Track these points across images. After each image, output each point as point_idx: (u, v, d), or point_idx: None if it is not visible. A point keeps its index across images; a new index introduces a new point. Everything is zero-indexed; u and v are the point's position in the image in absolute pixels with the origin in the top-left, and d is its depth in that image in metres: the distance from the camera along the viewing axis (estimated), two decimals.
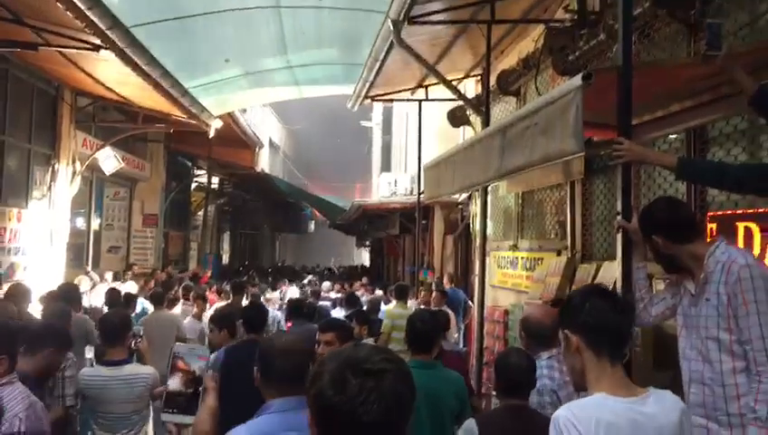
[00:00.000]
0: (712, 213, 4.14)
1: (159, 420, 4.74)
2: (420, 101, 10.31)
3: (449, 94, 8.43)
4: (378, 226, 20.63)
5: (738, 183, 2.92)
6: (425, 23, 6.56)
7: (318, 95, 15.95)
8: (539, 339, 3.81)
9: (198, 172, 20.51)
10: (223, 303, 9.50)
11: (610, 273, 4.97)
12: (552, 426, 2.01)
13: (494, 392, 4.14)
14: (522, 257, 7.55)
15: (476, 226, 8.68)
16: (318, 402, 1.40)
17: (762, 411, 2.49)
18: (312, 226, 46.20)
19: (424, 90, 9.86)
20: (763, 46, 3.58)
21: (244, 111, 17.86)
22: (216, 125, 11.95)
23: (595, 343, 2.10)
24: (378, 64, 7.82)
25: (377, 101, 11.01)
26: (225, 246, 29.27)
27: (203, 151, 16.85)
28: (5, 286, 7.40)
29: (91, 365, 4.61)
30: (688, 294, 2.84)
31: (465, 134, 10.57)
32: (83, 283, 9.44)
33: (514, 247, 7.89)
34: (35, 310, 6.55)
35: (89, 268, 12.04)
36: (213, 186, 21.24)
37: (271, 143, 31.05)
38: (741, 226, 3.76)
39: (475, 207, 9.11)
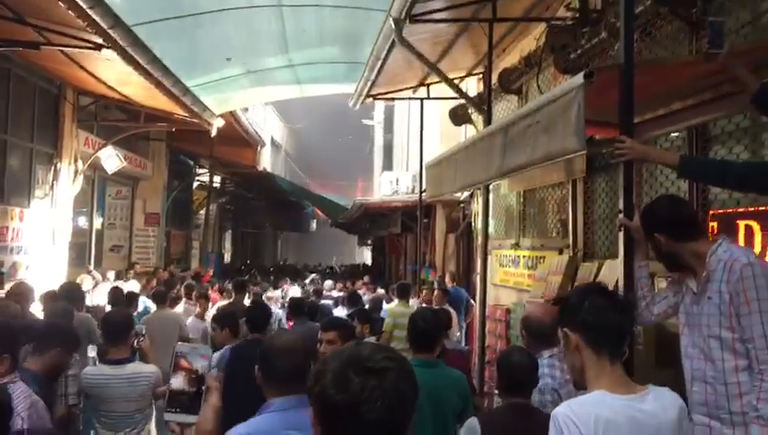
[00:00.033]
0: (714, 211, 4.13)
1: (161, 419, 4.78)
2: (422, 99, 10.31)
3: (451, 93, 8.43)
4: (379, 224, 20.63)
5: (740, 181, 2.92)
6: (426, 21, 6.55)
7: (319, 94, 15.92)
8: (540, 338, 3.82)
9: (200, 171, 20.52)
10: (225, 302, 9.52)
11: (612, 271, 4.97)
12: (551, 423, 2.02)
13: (496, 391, 4.14)
14: (523, 256, 7.55)
15: (478, 224, 8.68)
16: (321, 401, 1.40)
17: (764, 410, 2.49)
18: (313, 224, 46.20)
19: (426, 88, 9.86)
20: (765, 44, 3.58)
21: (246, 109, 17.85)
22: (217, 124, 11.96)
23: (594, 341, 2.11)
24: (379, 63, 7.82)
25: (378, 99, 11.02)
26: (227, 244, 29.30)
27: (205, 150, 16.86)
28: (8, 285, 7.41)
29: (94, 364, 4.60)
30: (690, 293, 2.84)
31: (467, 133, 10.56)
32: (86, 282, 9.45)
33: (516, 246, 7.89)
34: (36, 309, 6.56)
35: (91, 267, 12.06)
36: (215, 185, 21.26)
37: (273, 142, 31.08)
38: (741, 224, 3.76)
39: (477, 206, 9.11)
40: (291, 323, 6.95)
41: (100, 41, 7.11)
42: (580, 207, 6.26)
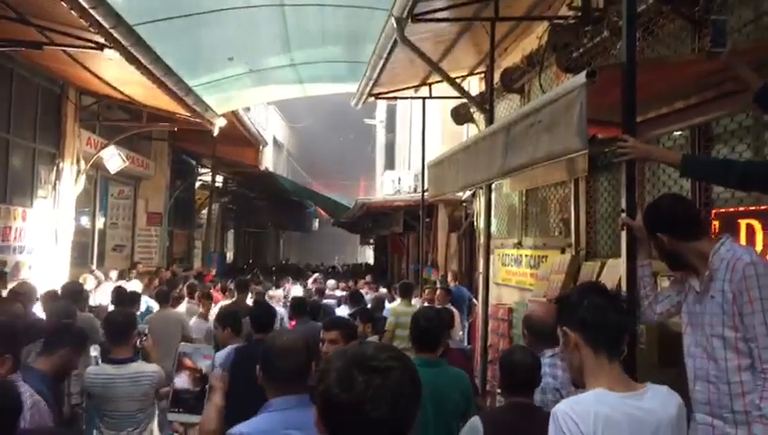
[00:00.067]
0: (717, 210, 4.13)
1: (164, 419, 4.78)
2: (424, 98, 10.31)
3: (453, 92, 8.42)
4: (382, 224, 20.62)
5: (743, 180, 2.91)
6: (428, 20, 6.55)
7: (321, 93, 15.92)
8: (542, 337, 3.81)
9: (202, 171, 20.53)
10: (228, 301, 9.53)
11: (615, 270, 4.97)
12: (551, 420, 2.03)
13: (498, 390, 4.14)
14: (526, 255, 7.55)
15: (480, 223, 8.67)
16: (325, 400, 1.41)
17: (767, 409, 2.48)
18: (316, 224, 46.24)
19: (428, 87, 9.86)
20: None
21: (248, 109, 17.86)
22: (219, 123, 11.97)
23: (593, 340, 2.13)
24: (381, 62, 7.82)
25: (380, 98, 11.02)
26: (230, 244, 29.32)
27: (207, 150, 16.87)
28: (11, 285, 7.42)
29: (97, 363, 4.61)
30: (693, 292, 2.83)
31: (469, 132, 10.56)
32: (88, 281, 9.46)
33: (519, 245, 7.89)
34: (39, 309, 6.57)
35: (93, 267, 12.08)
36: (217, 184, 21.26)
37: (275, 141, 31.10)
38: (743, 223, 3.75)
39: (479, 205, 9.10)
40: (293, 323, 6.93)
41: (102, 41, 7.12)
42: (582, 206, 6.25)
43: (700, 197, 4.36)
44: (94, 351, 5.97)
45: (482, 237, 7.83)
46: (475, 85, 10.00)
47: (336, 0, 8.15)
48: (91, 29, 6.66)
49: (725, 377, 2.64)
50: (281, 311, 9.42)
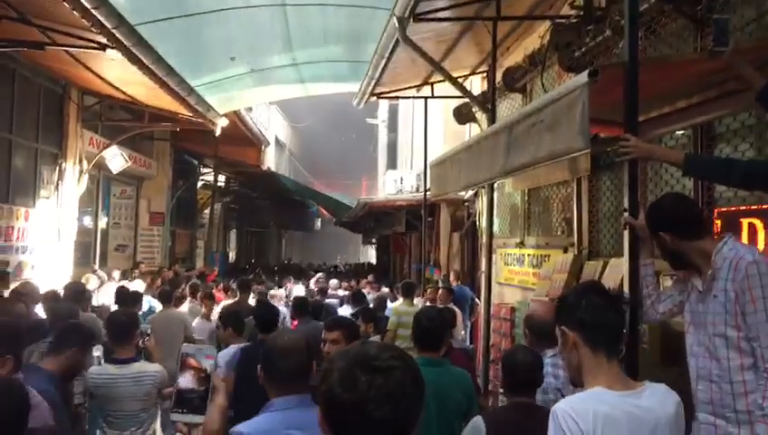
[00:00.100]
0: (719, 209, 4.12)
1: (166, 419, 4.78)
2: (426, 98, 10.31)
3: (455, 91, 8.42)
4: (384, 223, 20.62)
5: (745, 179, 2.91)
6: (430, 20, 6.55)
7: (323, 93, 15.94)
8: (543, 336, 3.81)
9: (205, 170, 20.55)
10: (230, 301, 9.54)
11: (617, 270, 4.97)
12: (550, 418, 2.04)
13: (500, 390, 4.13)
14: (528, 254, 7.55)
15: (483, 223, 8.67)
16: (328, 400, 1.41)
17: None
18: (318, 223, 46.22)
19: (430, 87, 9.86)
20: None
21: (250, 109, 17.89)
22: (222, 123, 11.97)
23: (592, 339, 2.14)
24: (383, 62, 7.82)
25: (382, 98, 11.02)
26: (232, 243, 29.34)
27: (209, 150, 16.88)
28: (13, 285, 7.43)
29: (99, 363, 4.62)
30: (696, 291, 2.83)
31: (471, 131, 10.55)
32: (91, 281, 9.47)
33: (521, 244, 7.88)
34: (39, 309, 6.58)
35: (96, 267, 12.09)
36: (219, 184, 21.28)
37: (277, 141, 31.11)
38: (745, 222, 3.75)
39: (482, 205, 9.10)
40: (295, 323, 6.94)
41: (104, 41, 7.13)
42: (584, 205, 6.25)
43: (703, 196, 4.35)
44: (97, 351, 5.97)
45: (484, 237, 7.83)
46: (477, 85, 10.00)
47: (338, 0, 8.16)
48: (93, 29, 6.67)
49: (728, 376, 2.64)
50: (283, 310, 9.43)
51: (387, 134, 28.48)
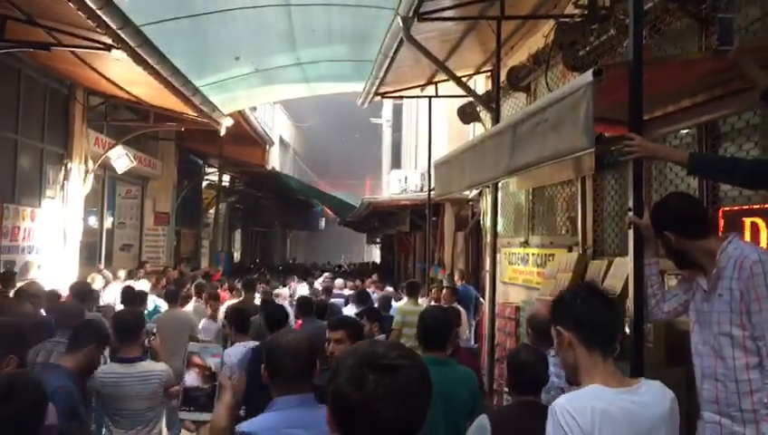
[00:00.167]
0: (724, 208, 4.12)
1: (171, 418, 4.80)
2: (430, 97, 10.31)
3: (459, 91, 8.42)
4: (388, 223, 20.63)
5: (750, 178, 2.91)
6: (434, 19, 6.55)
7: (328, 92, 15.97)
8: (546, 336, 3.80)
9: (209, 170, 20.59)
10: (235, 300, 9.55)
11: (622, 269, 4.96)
12: (549, 415, 2.07)
13: (506, 389, 4.14)
14: (533, 254, 7.54)
15: (487, 222, 8.68)
16: (336, 399, 1.42)
17: None
18: (322, 223, 46.26)
19: (434, 86, 9.86)
20: None
21: (255, 108, 17.92)
22: (226, 123, 11.99)
23: (587, 339, 2.16)
24: (387, 61, 7.83)
25: (386, 97, 11.02)
26: (237, 243, 29.38)
27: (214, 149, 16.92)
28: (19, 284, 7.46)
29: (105, 363, 4.64)
30: (701, 290, 2.83)
31: (476, 131, 10.56)
32: (96, 281, 9.50)
33: (525, 244, 7.88)
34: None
35: (101, 266, 12.13)
36: (224, 184, 21.32)
37: (281, 141, 31.16)
38: (747, 221, 3.75)
39: (486, 204, 9.11)
40: (299, 322, 6.95)
41: (109, 41, 7.14)
42: (589, 204, 6.24)
43: (707, 195, 4.35)
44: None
45: (488, 236, 7.83)
46: (481, 84, 10.00)
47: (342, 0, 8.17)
48: (98, 30, 6.68)
49: (733, 375, 2.64)
50: (288, 310, 9.46)
51: (391, 134, 28.47)
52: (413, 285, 8.72)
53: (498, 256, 7.62)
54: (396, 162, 26.18)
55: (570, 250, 6.48)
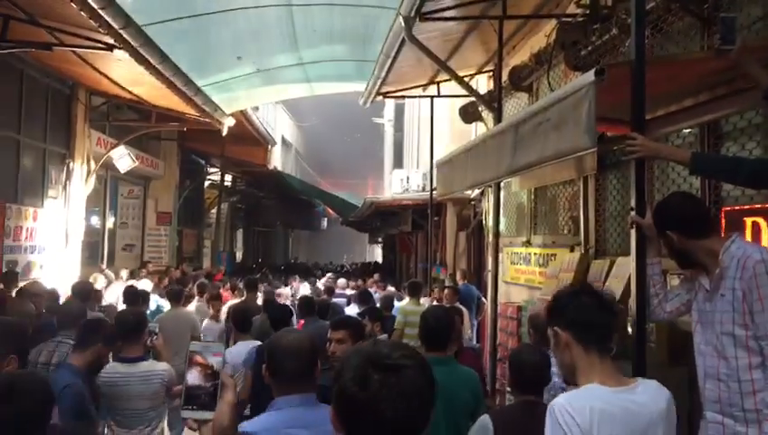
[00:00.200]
0: (726, 208, 4.12)
1: (173, 418, 4.80)
2: (432, 97, 10.31)
3: (461, 90, 8.42)
4: (390, 222, 20.62)
5: (753, 177, 2.90)
6: (436, 19, 6.55)
7: (329, 92, 15.97)
8: (547, 336, 3.81)
9: (211, 170, 20.60)
10: (237, 300, 9.56)
11: (624, 268, 4.96)
12: (548, 414, 2.09)
13: (508, 388, 4.14)
14: (535, 253, 7.54)
15: (489, 222, 8.68)
16: (341, 398, 1.42)
17: None
18: (324, 223, 46.29)
19: (436, 86, 9.85)
20: None
21: (257, 108, 17.90)
22: (228, 123, 12.01)
23: (584, 338, 2.19)
24: (389, 61, 7.82)
25: (388, 97, 11.02)
26: (239, 243, 29.39)
27: (216, 149, 16.92)
28: (21, 284, 7.48)
29: (108, 362, 4.64)
30: (703, 290, 2.83)
31: (477, 130, 10.55)
32: (99, 281, 9.51)
33: (527, 243, 7.88)
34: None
35: (104, 266, 12.15)
36: (226, 184, 21.32)
37: (283, 141, 31.17)
38: (749, 221, 3.74)
39: (488, 204, 9.10)
40: (301, 322, 6.95)
41: (111, 41, 7.16)
42: (591, 204, 6.24)
43: (710, 195, 4.35)
44: None
45: (490, 236, 7.83)
46: (483, 83, 9.99)
47: None
48: (100, 30, 6.69)
49: (736, 375, 2.64)
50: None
51: (393, 133, 28.44)
52: (415, 285, 8.72)
53: (500, 255, 7.62)
54: (398, 162, 26.16)
55: (572, 250, 6.48)
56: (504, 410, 4.00)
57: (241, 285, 10.88)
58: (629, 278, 3.24)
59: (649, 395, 2.13)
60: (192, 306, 8.90)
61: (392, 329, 7.50)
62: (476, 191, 10.67)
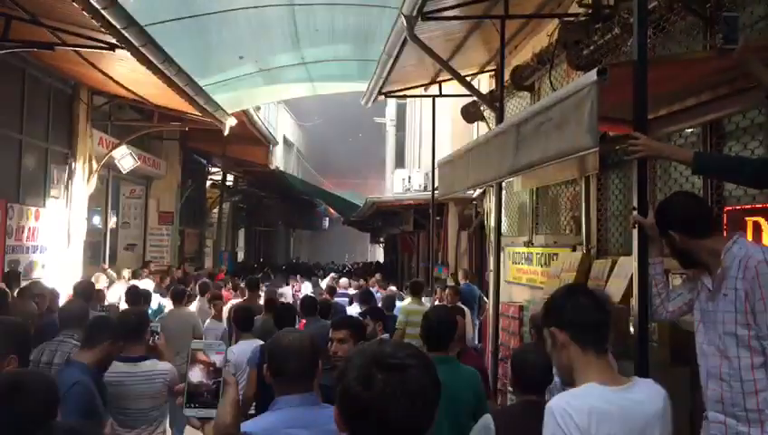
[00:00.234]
0: (728, 208, 4.11)
1: (175, 418, 4.80)
2: (434, 97, 10.30)
3: (463, 90, 8.41)
4: (392, 222, 20.64)
5: (755, 177, 2.90)
6: (438, 18, 6.54)
7: (331, 92, 15.99)
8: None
9: (213, 170, 20.62)
10: (238, 300, 9.57)
11: (626, 268, 4.95)
12: (546, 414, 2.10)
13: (510, 389, 4.13)
14: (536, 253, 7.54)
15: (491, 222, 8.67)
16: (345, 398, 1.43)
17: None
18: (326, 222, 46.32)
19: (438, 86, 9.84)
20: None
21: (258, 108, 17.91)
22: (230, 123, 12.00)
23: (581, 338, 2.20)
24: (391, 60, 7.82)
25: (390, 97, 11.01)
26: (241, 243, 29.41)
27: (218, 149, 16.94)
28: (23, 284, 7.49)
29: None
30: (705, 290, 2.82)
31: (479, 130, 10.55)
32: (101, 280, 9.53)
33: (529, 243, 7.87)
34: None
35: (106, 266, 12.16)
36: (228, 183, 21.35)
37: (285, 140, 31.15)
38: (750, 220, 3.74)
39: (490, 203, 9.09)
40: (303, 322, 6.96)
41: (113, 41, 7.15)
42: (593, 203, 6.23)
43: (712, 194, 4.34)
44: None
45: (492, 236, 7.82)
46: (485, 83, 9.99)
47: None
48: (102, 29, 6.69)
49: (738, 375, 2.63)
50: None
51: (394, 133, 28.43)
52: (416, 285, 8.73)
53: (502, 255, 7.62)
54: (399, 162, 26.16)
55: (574, 250, 6.48)
56: (506, 410, 4.00)
57: (243, 284, 10.90)
58: (631, 278, 3.23)
59: (646, 394, 2.14)
60: (194, 306, 8.91)
61: (394, 329, 7.50)
62: (478, 191, 10.66)
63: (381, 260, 34.67)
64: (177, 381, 4.25)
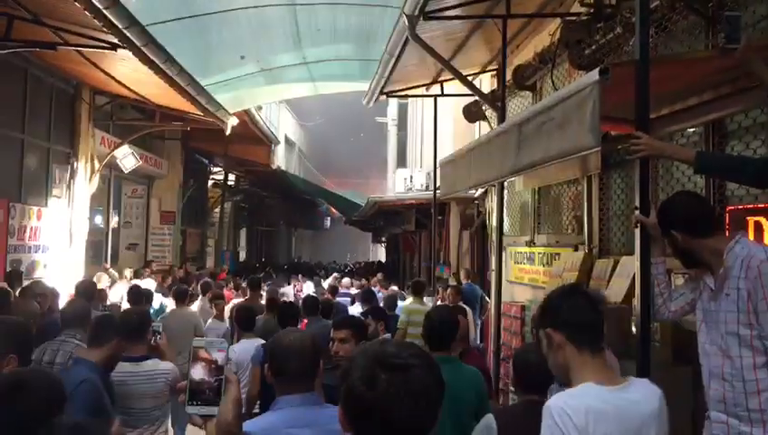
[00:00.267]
0: (731, 207, 4.11)
1: (176, 417, 4.81)
2: (435, 96, 10.29)
3: (465, 90, 8.41)
4: (394, 222, 20.63)
5: (757, 177, 2.89)
6: (440, 18, 6.54)
7: (333, 92, 15.99)
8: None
9: (215, 169, 20.63)
10: (240, 299, 9.57)
11: (628, 268, 4.95)
12: (544, 414, 2.11)
13: (511, 388, 4.13)
14: (538, 253, 7.53)
15: (493, 221, 8.66)
16: (349, 398, 1.43)
17: None
18: (328, 222, 46.32)
19: (439, 85, 9.84)
20: None
21: (260, 108, 17.92)
22: (232, 122, 12.00)
23: (577, 338, 2.20)
24: (393, 60, 7.82)
25: (392, 96, 11.01)
26: (242, 242, 29.43)
27: (219, 149, 16.95)
28: (25, 283, 7.49)
29: None
30: (708, 289, 2.82)
31: (481, 130, 10.54)
32: (102, 280, 9.53)
33: (531, 243, 7.87)
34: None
35: (107, 265, 12.17)
36: (229, 183, 21.36)
37: (287, 140, 31.16)
38: (752, 220, 3.73)
39: (492, 203, 9.09)
40: (305, 322, 6.96)
41: (115, 41, 7.16)
42: (595, 203, 6.23)
43: (714, 194, 4.34)
44: None
45: (494, 235, 7.82)
46: (486, 83, 9.98)
47: None
48: (104, 29, 6.70)
49: (741, 375, 2.63)
50: None
51: (396, 133, 28.43)
52: (418, 285, 8.72)
53: (504, 254, 7.62)
54: (401, 161, 26.15)
55: (575, 249, 6.47)
56: (508, 409, 3.99)
57: (244, 284, 10.90)
58: (634, 278, 3.23)
59: (642, 394, 2.14)
60: (195, 306, 8.91)
61: (395, 329, 7.50)
62: (480, 190, 10.66)
63: (383, 260, 34.67)
64: (178, 381, 4.25)
